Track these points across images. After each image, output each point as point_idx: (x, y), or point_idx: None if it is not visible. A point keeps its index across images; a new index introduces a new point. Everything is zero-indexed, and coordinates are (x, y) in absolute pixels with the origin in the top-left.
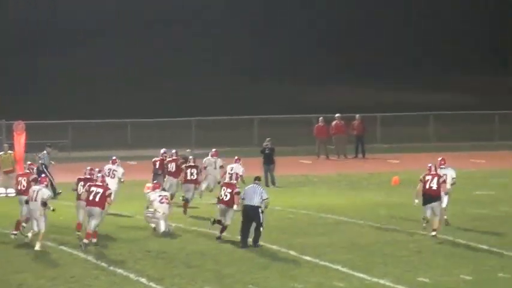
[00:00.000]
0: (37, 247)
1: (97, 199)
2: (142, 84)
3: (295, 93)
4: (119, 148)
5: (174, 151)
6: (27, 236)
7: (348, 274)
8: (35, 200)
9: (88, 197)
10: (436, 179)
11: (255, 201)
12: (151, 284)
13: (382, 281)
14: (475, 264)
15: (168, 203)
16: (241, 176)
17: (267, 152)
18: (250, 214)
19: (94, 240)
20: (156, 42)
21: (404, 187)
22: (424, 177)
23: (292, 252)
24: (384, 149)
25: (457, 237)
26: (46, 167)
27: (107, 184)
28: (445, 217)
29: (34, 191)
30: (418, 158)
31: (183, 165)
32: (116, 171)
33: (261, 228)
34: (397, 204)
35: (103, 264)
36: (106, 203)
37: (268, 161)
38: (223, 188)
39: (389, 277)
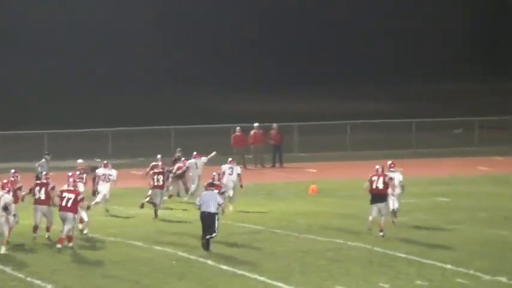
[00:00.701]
0: (2, 251)
1: (69, 205)
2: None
3: (212, 103)
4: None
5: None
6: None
7: (266, 283)
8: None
9: (61, 202)
10: (382, 179)
11: (212, 208)
12: None
13: None
14: (393, 272)
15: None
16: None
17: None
18: (208, 220)
19: (70, 244)
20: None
21: (322, 196)
22: (371, 178)
23: (210, 262)
24: (301, 158)
25: (375, 246)
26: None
27: (78, 189)
28: (395, 220)
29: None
30: (335, 166)
31: (151, 171)
32: (111, 174)
33: (214, 235)
34: (315, 213)
35: (20, 275)
36: (79, 208)
37: None
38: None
39: (308, 286)
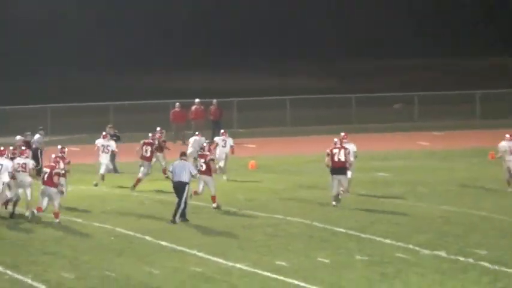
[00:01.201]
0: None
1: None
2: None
3: (152, 80)
4: None
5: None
6: None
7: (205, 259)
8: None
9: (43, 177)
10: (343, 151)
11: (184, 178)
12: (7, 271)
13: (239, 265)
14: (333, 247)
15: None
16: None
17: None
18: (180, 190)
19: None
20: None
21: (262, 171)
22: (331, 151)
23: (148, 238)
24: (241, 133)
25: (315, 221)
26: (41, 152)
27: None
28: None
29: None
30: (274, 142)
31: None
32: (109, 145)
33: (182, 204)
34: (254, 188)
35: None
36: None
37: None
38: (199, 159)
39: (247, 261)
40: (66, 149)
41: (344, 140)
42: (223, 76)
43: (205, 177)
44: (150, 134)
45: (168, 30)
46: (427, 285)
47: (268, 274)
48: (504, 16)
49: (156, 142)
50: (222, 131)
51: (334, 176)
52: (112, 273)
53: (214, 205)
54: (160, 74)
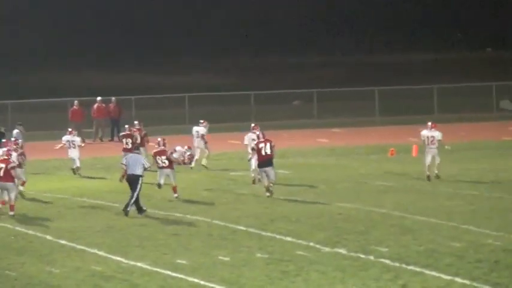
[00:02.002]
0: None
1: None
2: None
3: (51, 77)
4: None
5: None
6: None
7: (105, 257)
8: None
9: None
10: (268, 144)
11: (137, 171)
12: None
13: (139, 264)
14: (233, 245)
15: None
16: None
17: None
18: (133, 182)
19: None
20: None
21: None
22: (257, 145)
23: (48, 237)
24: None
25: (215, 219)
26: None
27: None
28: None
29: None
30: (174, 140)
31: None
32: (74, 140)
33: (135, 195)
34: (153, 185)
35: None
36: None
37: None
38: (158, 156)
39: (147, 260)
40: (20, 141)
41: (253, 130)
42: (122, 74)
43: (167, 170)
44: (126, 126)
45: (66, 26)
46: (327, 283)
47: (169, 273)
48: (407, 15)
49: (138, 136)
50: (201, 121)
51: (261, 169)
52: (12, 272)
53: (176, 195)
54: (58, 71)
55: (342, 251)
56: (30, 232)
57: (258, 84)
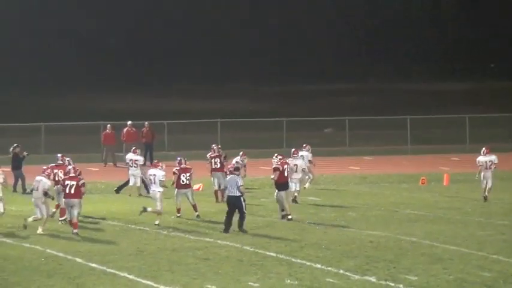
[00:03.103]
0: (39, 231)
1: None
2: None
3: (81, 101)
4: None
5: (214, 146)
6: (26, 220)
7: (135, 281)
8: (37, 190)
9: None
10: (286, 166)
11: (236, 192)
12: None
13: None
14: (263, 271)
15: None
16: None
17: (21, 157)
18: (234, 203)
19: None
20: None
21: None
22: (282, 166)
23: (78, 260)
24: (172, 156)
25: (245, 245)
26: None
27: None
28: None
29: (37, 181)
30: (204, 164)
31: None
32: (137, 160)
33: (244, 214)
34: (184, 211)
35: None
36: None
37: (18, 166)
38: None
39: (177, 284)
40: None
41: (294, 155)
42: (155, 98)
43: (186, 190)
44: (213, 146)
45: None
46: None
47: None
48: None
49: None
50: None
51: (281, 191)
52: None
53: (197, 213)
54: (91, 95)
55: (372, 279)
56: (61, 254)
57: (291, 111)
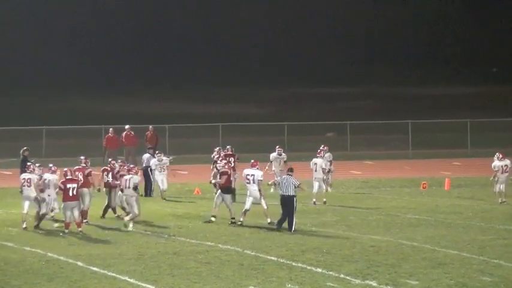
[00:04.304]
0: (130, 227)
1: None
2: None
3: (84, 103)
4: None
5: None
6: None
7: (136, 285)
8: (129, 187)
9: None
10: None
11: (291, 191)
12: None
13: None
14: (263, 275)
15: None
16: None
17: (28, 160)
18: (287, 203)
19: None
20: None
21: (196, 198)
22: (230, 170)
23: (79, 263)
24: (174, 160)
25: (246, 249)
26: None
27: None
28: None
29: (126, 179)
30: (207, 169)
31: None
32: (31, 178)
33: (294, 215)
34: (185, 214)
35: None
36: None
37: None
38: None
39: None
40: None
41: (318, 155)
42: (157, 102)
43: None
44: (228, 147)
45: (102, 55)
46: None
47: None
48: (439, 48)
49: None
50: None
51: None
52: None
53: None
54: (93, 98)
55: (373, 283)
56: (62, 258)
57: (292, 115)
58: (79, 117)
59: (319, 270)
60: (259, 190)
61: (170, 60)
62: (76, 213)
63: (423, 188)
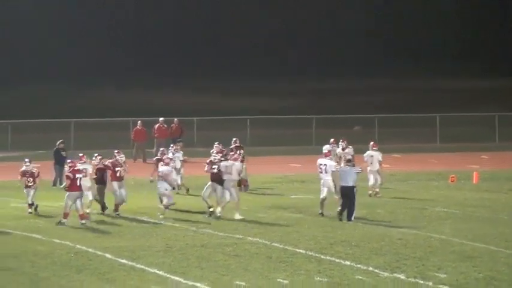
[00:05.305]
0: (237, 216)
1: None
2: None
3: (112, 96)
4: None
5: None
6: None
7: (165, 277)
8: (231, 173)
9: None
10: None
11: (350, 182)
12: None
13: (198, 284)
14: (292, 268)
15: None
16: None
17: (62, 153)
18: (348, 194)
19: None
20: None
21: None
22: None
23: (108, 255)
24: (201, 152)
25: (275, 241)
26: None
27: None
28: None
29: (227, 166)
30: None
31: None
32: (86, 169)
33: (355, 205)
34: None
35: None
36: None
37: (61, 161)
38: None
39: (205, 281)
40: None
41: (341, 146)
42: (185, 95)
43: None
44: (234, 139)
45: (129, 48)
46: None
47: None
48: (465, 41)
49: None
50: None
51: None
52: None
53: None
54: (122, 92)
55: (401, 276)
56: (90, 250)
57: (320, 108)
58: (107, 110)
59: (348, 263)
60: (333, 180)
61: (198, 53)
62: (79, 204)
63: (451, 181)
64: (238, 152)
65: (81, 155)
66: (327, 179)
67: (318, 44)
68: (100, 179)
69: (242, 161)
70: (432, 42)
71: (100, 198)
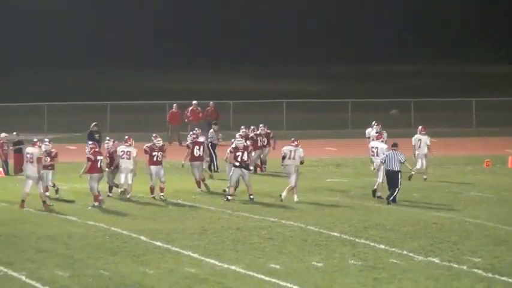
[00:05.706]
0: (295, 199)
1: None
2: None
3: (148, 79)
4: None
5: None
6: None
7: (199, 260)
8: (294, 158)
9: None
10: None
11: (395, 167)
12: (1, 268)
13: (233, 267)
14: (327, 251)
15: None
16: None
17: (95, 136)
18: (393, 177)
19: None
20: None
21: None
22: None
23: (143, 238)
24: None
25: (309, 225)
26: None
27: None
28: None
29: (291, 150)
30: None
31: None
32: (130, 151)
33: (397, 189)
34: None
35: None
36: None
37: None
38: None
39: (240, 263)
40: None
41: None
42: (220, 78)
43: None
44: (261, 125)
45: (165, 31)
46: None
47: (262, 277)
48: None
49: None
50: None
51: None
52: (106, 272)
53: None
54: (158, 75)
55: (435, 260)
56: (125, 232)
57: (356, 92)
58: (143, 93)
59: (382, 246)
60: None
61: (234, 36)
62: (97, 186)
63: (486, 165)
64: (261, 139)
65: (126, 137)
66: (379, 162)
67: (353, 29)
68: (111, 163)
69: (257, 148)
70: (471, 27)
71: (109, 181)
